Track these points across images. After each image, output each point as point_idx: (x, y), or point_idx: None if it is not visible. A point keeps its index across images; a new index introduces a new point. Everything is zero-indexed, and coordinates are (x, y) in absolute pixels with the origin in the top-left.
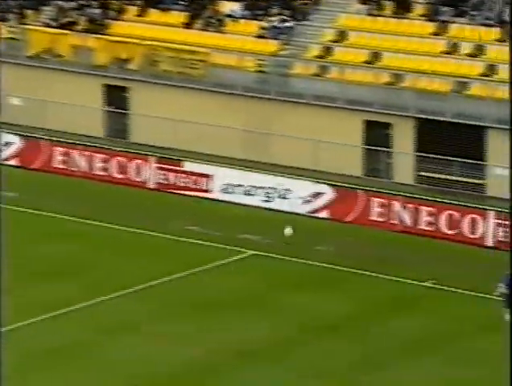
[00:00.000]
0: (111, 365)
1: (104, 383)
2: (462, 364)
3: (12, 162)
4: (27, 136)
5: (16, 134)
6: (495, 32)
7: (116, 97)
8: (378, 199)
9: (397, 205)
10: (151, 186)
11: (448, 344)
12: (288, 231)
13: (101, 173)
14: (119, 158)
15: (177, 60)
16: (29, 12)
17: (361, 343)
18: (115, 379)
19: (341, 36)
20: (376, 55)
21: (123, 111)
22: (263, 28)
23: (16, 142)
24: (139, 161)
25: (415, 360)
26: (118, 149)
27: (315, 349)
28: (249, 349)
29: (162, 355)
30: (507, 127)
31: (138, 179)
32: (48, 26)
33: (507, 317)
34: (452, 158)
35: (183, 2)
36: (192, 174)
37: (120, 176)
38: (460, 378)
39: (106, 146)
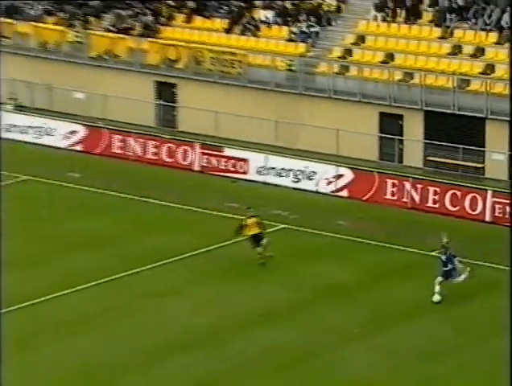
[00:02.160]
0: (155, 325)
1: (153, 337)
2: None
3: (77, 148)
4: (90, 125)
5: (80, 124)
6: (493, 36)
7: (166, 92)
8: (391, 180)
9: (407, 185)
10: (196, 168)
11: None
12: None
13: (153, 157)
14: (168, 145)
15: (218, 60)
16: (92, 19)
17: (370, 306)
18: (164, 334)
19: (360, 40)
20: (390, 56)
21: (172, 104)
22: (293, 33)
23: (80, 131)
24: (186, 147)
25: (415, 322)
26: (168, 136)
27: (327, 310)
28: (268, 310)
29: (192, 318)
30: (503, 118)
31: (184, 163)
32: (108, 30)
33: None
34: (455, 145)
35: (224, 10)
36: (231, 158)
37: (169, 160)
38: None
39: (157, 134)
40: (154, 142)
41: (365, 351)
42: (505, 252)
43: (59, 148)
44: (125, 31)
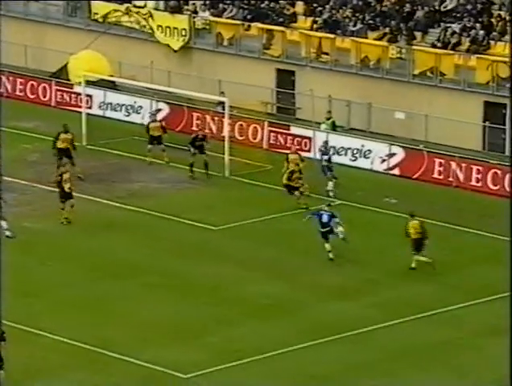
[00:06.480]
0: None
1: None
2: None
3: (395, 172)
4: (409, 148)
5: (399, 146)
6: None
7: (494, 114)
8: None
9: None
10: None
11: None
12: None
13: (476, 184)
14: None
15: None
16: (417, 34)
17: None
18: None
19: None
20: None
21: (501, 127)
22: None
23: (399, 153)
24: None
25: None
26: (494, 162)
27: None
28: None
29: None
30: None
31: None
32: (434, 46)
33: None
34: None
35: None
36: None
37: (495, 187)
38: None
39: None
40: (478, 168)
41: None
42: None
43: (375, 171)
44: (453, 47)
